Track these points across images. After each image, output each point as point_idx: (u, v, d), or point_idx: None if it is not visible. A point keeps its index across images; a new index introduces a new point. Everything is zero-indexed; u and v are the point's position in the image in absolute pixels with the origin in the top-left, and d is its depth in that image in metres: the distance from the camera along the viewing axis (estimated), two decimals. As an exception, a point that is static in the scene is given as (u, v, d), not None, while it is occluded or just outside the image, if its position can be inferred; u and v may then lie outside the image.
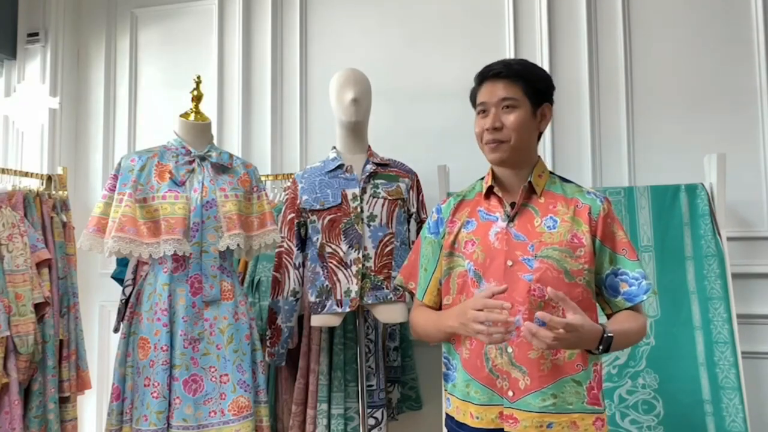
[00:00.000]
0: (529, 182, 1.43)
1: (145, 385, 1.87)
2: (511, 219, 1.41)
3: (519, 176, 1.44)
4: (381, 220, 2.15)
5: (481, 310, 1.26)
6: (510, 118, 1.39)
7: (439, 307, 1.51)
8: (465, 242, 1.44)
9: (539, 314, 1.20)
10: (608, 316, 1.41)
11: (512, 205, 1.43)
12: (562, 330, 1.17)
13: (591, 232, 1.38)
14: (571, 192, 1.44)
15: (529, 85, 1.41)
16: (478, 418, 1.37)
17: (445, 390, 1.49)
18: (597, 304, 1.42)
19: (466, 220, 1.47)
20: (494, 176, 1.47)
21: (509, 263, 1.37)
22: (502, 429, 1.35)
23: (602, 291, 1.42)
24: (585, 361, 1.35)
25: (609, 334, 1.25)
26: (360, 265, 2.12)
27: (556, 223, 1.39)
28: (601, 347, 1.25)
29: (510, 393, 1.35)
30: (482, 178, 1.53)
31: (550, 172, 1.49)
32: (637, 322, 1.37)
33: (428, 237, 1.53)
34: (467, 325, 1.29)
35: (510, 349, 1.35)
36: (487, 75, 1.43)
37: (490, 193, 1.47)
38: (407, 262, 1.60)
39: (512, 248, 1.38)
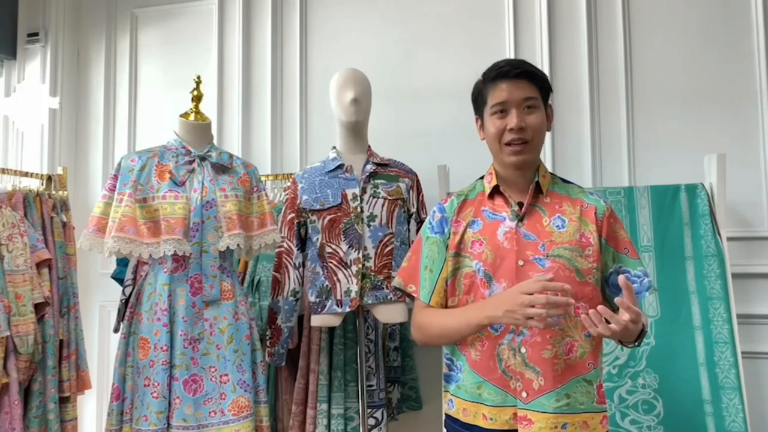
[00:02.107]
0: (536, 182, 1.43)
1: (145, 385, 1.87)
2: (520, 219, 1.41)
3: (525, 176, 1.44)
4: (381, 220, 2.15)
5: (530, 294, 1.25)
6: (532, 119, 1.39)
7: (444, 308, 1.48)
8: (472, 242, 1.43)
9: (617, 300, 1.22)
10: None
11: (519, 204, 1.42)
12: (629, 319, 1.20)
13: (597, 231, 1.40)
14: (574, 192, 1.46)
15: (542, 86, 1.42)
16: (491, 419, 1.37)
17: (446, 391, 1.48)
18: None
19: (471, 219, 1.46)
20: (498, 176, 1.47)
21: (520, 263, 1.37)
22: (516, 430, 1.35)
23: (605, 289, 1.43)
24: (596, 359, 1.36)
25: (646, 329, 1.30)
26: (360, 265, 2.12)
27: (564, 223, 1.39)
28: (637, 341, 1.30)
29: (524, 394, 1.34)
30: (481, 178, 1.53)
31: (551, 173, 1.50)
32: (645, 318, 1.38)
33: (432, 237, 1.49)
34: (515, 311, 1.25)
35: (523, 350, 1.34)
36: (505, 74, 1.40)
37: (494, 192, 1.46)
38: (407, 264, 1.55)
39: (522, 248, 1.38)
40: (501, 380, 1.36)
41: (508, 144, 1.40)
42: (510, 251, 1.38)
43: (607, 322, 1.22)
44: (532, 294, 1.24)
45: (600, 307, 1.20)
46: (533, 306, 1.23)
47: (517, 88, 1.39)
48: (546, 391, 1.33)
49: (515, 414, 1.35)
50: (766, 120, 2.43)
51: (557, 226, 1.39)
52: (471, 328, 1.36)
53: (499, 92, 1.40)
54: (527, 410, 1.33)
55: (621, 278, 1.23)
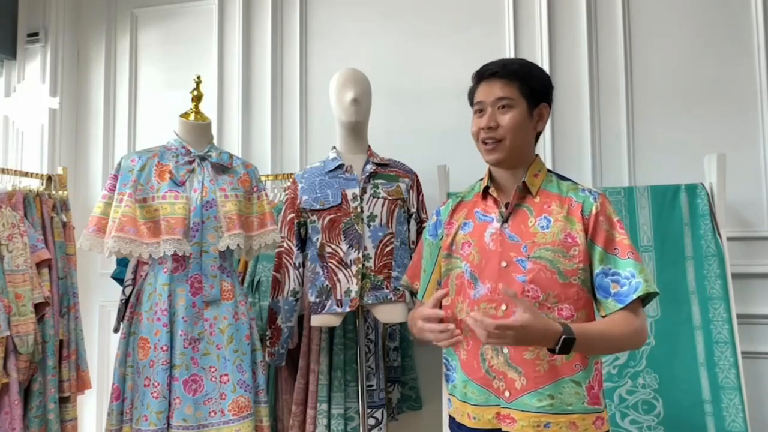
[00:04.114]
0: (524, 182, 1.42)
1: (145, 385, 1.87)
2: (505, 219, 1.41)
3: (515, 176, 1.44)
4: (381, 220, 2.15)
5: (424, 318, 1.35)
6: (505, 118, 1.39)
7: (438, 307, 1.50)
8: (462, 243, 1.45)
9: (472, 314, 1.23)
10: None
11: (507, 205, 1.43)
12: (495, 330, 1.19)
13: (584, 230, 1.37)
14: (566, 190, 1.42)
15: (525, 85, 1.40)
16: (475, 418, 1.38)
17: (447, 391, 1.50)
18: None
19: (463, 221, 1.48)
20: (491, 177, 1.48)
21: (503, 264, 1.37)
22: (500, 429, 1.35)
23: (595, 292, 1.37)
24: (584, 361, 1.35)
25: (569, 336, 1.20)
26: (360, 265, 2.12)
27: (549, 223, 1.38)
28: (557, 348, 1.22)
29: (506, 393, 1.35)
30: (482, 179, 1.53)
31: (549, 171, 1.47)
32: (628, 326, 1.29)
33: (428, 239, 1.55)
34: (421, 332, 1.37)
35: (506, 350, 1.35)
36: (483, 74, 1.43)
37: (486, 193, 1.47)
38: (411, 264, 1.63)
39: (506, 249, 1.38)
40: (484, 380, 1.37)
41: (483, 142, 1.42)
42: (494, 253, 1.39)
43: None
44: (426, 318, 1.33)
45: (472, 313, 1.24)
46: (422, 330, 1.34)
47: (491, 87, 1.41)
48: (528, 391, 1.33)
49: (498, 413, 1.35)
50: (766, 120, 2.43)
51: (542, 227, 1.38)
52: (417, 335, 1.48)
53: (479, 92, 1.44)
54: (510, 409, 1.34)
55: (501, 287, 1.31)
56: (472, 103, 1.48)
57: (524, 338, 1.21)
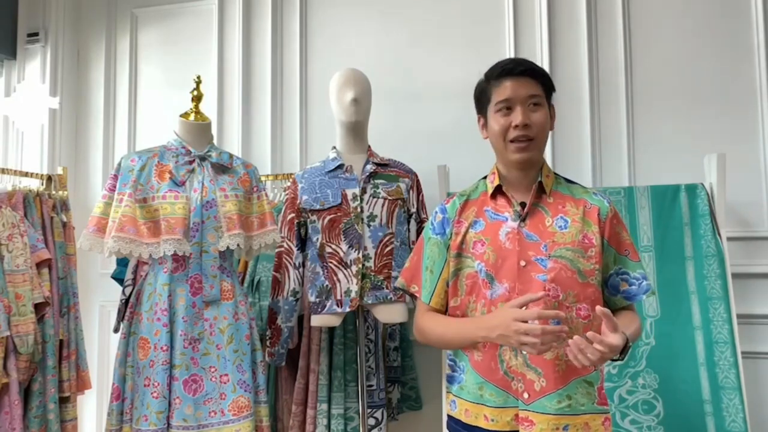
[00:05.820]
0: (539, 182, 1.42)
1: (145, 385, 1.87)
2: (522, 219, 1.40)
3: (528, 176, 1.43)
4: (381, 220, 2.15)
5: (525, 321, 1.24)
6: (537, 116, 1.39)
7: (445, 309, 1.48)
8: (474, 243, 1.42)
9: (590, 334, 1.20)
10: None
11: (522, 204, 1.42)
12: (607, 350, 1.19)
13: (600, 232, 1.39)
14: (578, 193, 1.44)
15: (545, 84, 1.42)
16: (493, 420, 1.36)
17: (449, 392, 1.48)
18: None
19: (473, 220, 1.45)
20: (501, 176, 1.46)
21: (522, 263, 1.36)
22: (517, 431, 1.34)
23: (603, 290, 1.42)
24: None
25: (629, 344, 1.27)
26: (360, 265, 2.12)
27: (567, 224, 1.38)
28: (621, 355, 1.26)
29: (525, 395, 1.34)
30: (484, 178, 1.52)
31: (555, 173, 1.49)
32: (637, 324, 1.40)
33: (433, 237, 1.49)
34: (510, 337, 1.26)
35: (525, 351, 1.34)
36: (510, 72, 1.40)
37: (497, 192, 1.45)
38: (409, 264, 1.56)
39: (524, 248, 1.37)
40: (502, 381, 1.36)
41: (513, 141, 1.39)
42: (512, 252, 1.38)
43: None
44: (526, 321, 1.24)
45: (590, 333, 1.20)
46: (527, 333, 1.24)
47: (521, 85, 1.39)
48: (547, 393, 1.32)
49: (517, 415, 1.34)
50: (766, 120, 2.43)
51: (560, 227, 1.38)
52: (466, 342, 1.40)
53: (504, 90, 1.40)
54: (529, 411, 1.33)
55: (598, 309, 1.23)
56: (485, 102, 1.45)
57: (610, 354, 1.22)
